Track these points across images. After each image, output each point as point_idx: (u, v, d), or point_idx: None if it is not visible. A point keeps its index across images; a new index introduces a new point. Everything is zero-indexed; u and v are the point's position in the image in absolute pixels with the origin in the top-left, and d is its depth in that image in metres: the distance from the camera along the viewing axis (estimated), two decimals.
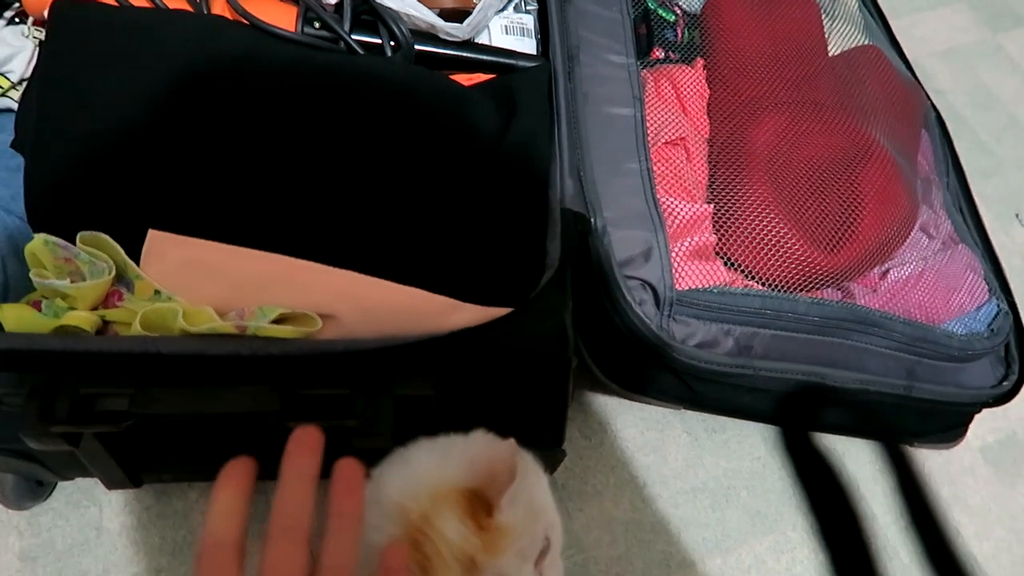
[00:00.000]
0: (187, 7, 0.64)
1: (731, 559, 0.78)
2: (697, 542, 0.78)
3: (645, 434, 0.82)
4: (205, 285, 0.54)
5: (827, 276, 0.67)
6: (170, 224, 0.54)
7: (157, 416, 0.49)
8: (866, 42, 0.89)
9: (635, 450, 0.82)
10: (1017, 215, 1.05)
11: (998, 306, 0.77)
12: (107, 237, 0.53)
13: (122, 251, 0.53)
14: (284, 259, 0.54)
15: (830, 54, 0.84)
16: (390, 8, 0.67)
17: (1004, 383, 0.76)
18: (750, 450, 0.83)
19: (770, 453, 0.83)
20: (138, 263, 0.53)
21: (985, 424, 0.87)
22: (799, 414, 0.73)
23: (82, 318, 0.51)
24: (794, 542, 0.79)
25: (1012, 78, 1.19)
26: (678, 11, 0.83)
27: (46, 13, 0.60)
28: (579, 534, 0.77)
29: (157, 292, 0.53)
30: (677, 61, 0.80)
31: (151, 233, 0.53)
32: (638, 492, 0.80)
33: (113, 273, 0.52)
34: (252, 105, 0.60)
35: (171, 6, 0.64)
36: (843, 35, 0.88)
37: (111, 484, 0.63)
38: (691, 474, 0.81)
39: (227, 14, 0.64)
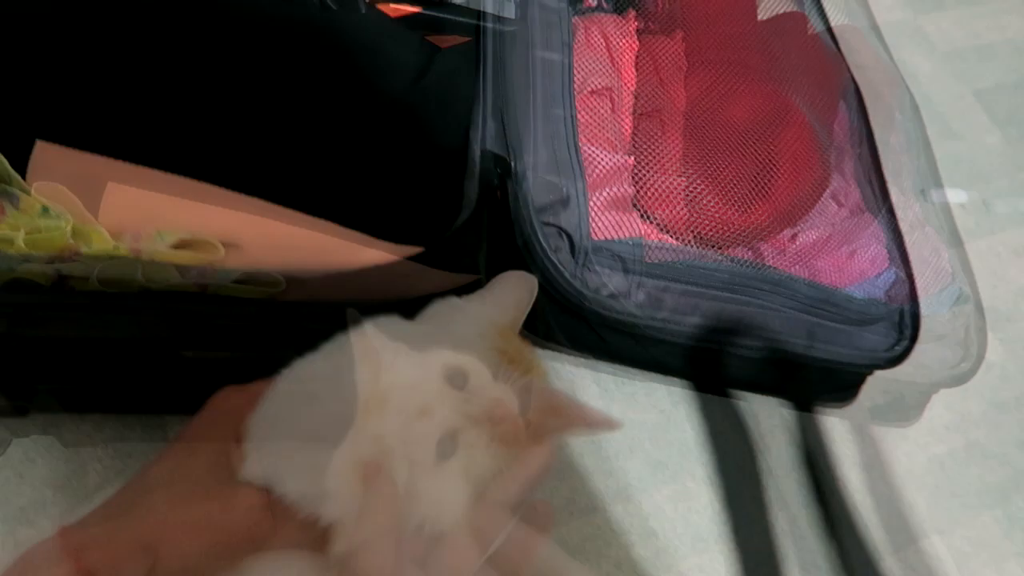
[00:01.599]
0: None
1: (631, 506, 0.80)
2: (600, 489, 0.80)
3: (555, 383, 0.83)
4: (98, 205, 0.51)
5: (739, 234, 0.68)
6: (61, 136, 0.50)
7: (39, 338, 0.46)
8: (795, 8, 0.90)
9: None
10: (922, 191, 1.09)
11: (896, 274, 0.80)
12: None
13: (5, 161, 0.49)
14: (186, 181, 0.51)
15: (759, 19, 0.85)
16: None
17: (896, 347, 0.79)
18: (656, 403, 0.85)
19: (674, 407, 0.85)
20: (24, 176, 0.50)
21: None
22: (705, 368, 0.75)
23: None
24: (692, 492, 0.82)
25: (928, 59, 1.23)
26: None
27: None
28: None
29: (45, 209, 0.50)
30: (609, 11, 0.79)
31: (39, 144, 0.49)
32: None
33: None
34: (161, 21, 0.57)
35: None
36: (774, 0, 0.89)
37: None
38: None
39: None
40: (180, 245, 0.50)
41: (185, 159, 0.52)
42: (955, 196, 1.08)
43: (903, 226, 0.80)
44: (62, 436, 0.71)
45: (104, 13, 0.54)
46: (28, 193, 0.49)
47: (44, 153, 0.49)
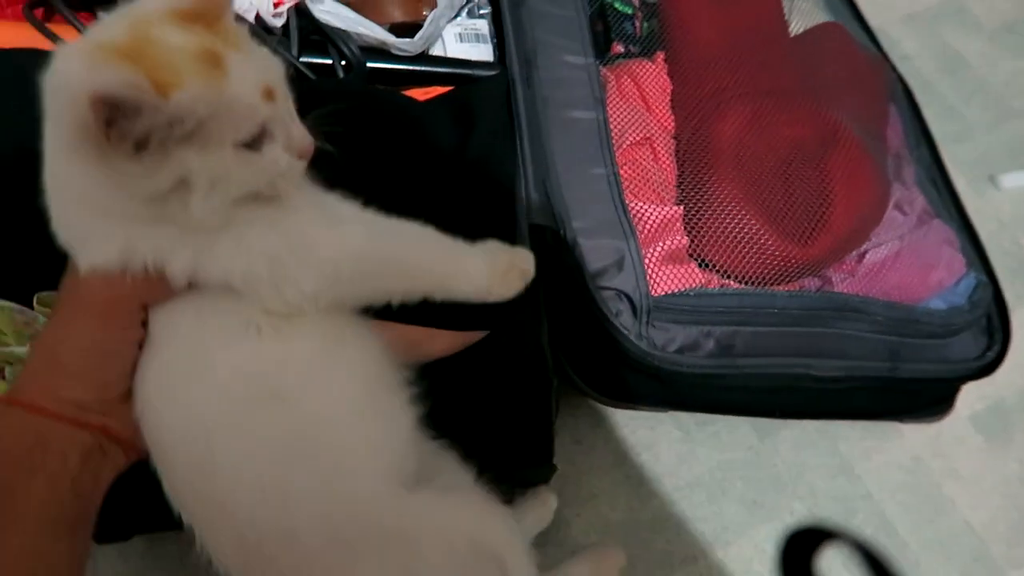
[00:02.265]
0: None
1: (732, 551, 0.78)
2: (697, 537, 0.78)
3: (636, 433, 0.82)
4: None
5: (803, 268, 0.66)
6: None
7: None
8: (828, 18, 0.88)
9: (627, 450, 0.81)
10: (991, 177, 1.04)
11: (976, 278, 0.76)
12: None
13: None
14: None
15: (792, 34, 0.83)
16: (338, 28, 0.66)
17: (988, 353, 0.75)
18: (741, 440, 0.83)
19: (761, 441, 0.83)
20: None
21: (972, 393, 0.87)
22: (787, 405, 0.73)
23: None
24: (792, 528, 0.79)
25: (977, 38, 1.18)
26: (635, 2, 0.81)
27: None
28: (577, 539, 0.76)
29: None
30: (637, 55, 0.78)
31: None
32: (634, 492, 0.79)
33: None
34: None
35: None
36: (803, 13, 0.87)
37: (101, 539, 0.62)
38: (685, 469, 0.81)
39: None
40: None
41: None
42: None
43: (911, 221, 0.76)
44: (166, 547, 0.73)
45: None
46: None
47: None
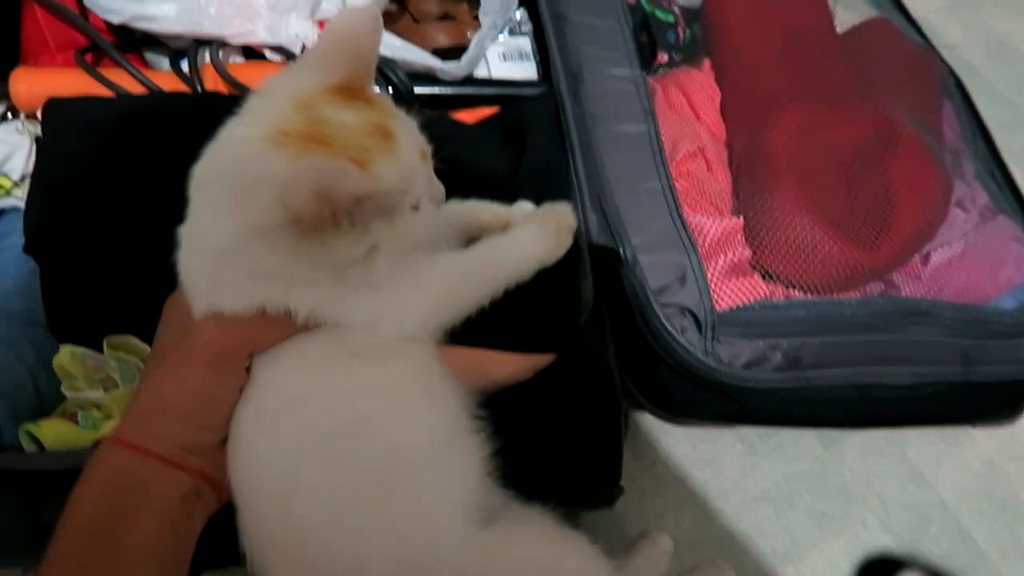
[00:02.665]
0: (180, 86, 0.63)
1: (803, 567, 0.75)
2: (766, 553, 0.76)
3: (698, 448, 0.80)
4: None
5: (869, 273, 0.64)
6: None
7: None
8: (873, 13, 0.86)
9: (690, 466, 0.80)
10: None
11: None
12: (133, 337, 0.52)
13: (150, 349, 0.52)
14: None
15: (838, 32, 0.82)
16: (385, 56, 0.66)
17: None
18: (806, 450, 0.81)
19: (827, 450, 0.81)
20: None
21: None
22: (857, 414, 0.71)
23: None
24: (865, 541, 0.77)
25: (1023, 22, 1.15)
26: (676, 10, 0.81)
27: (39, 112, 0.59)
28: None
29: None
30: (682, 63, 0.78)
31: None
32: (699, 509, 0.78)
33: None
34: None
35: (162, 85, 0.63)
36: (848, 7, 0.85)
37: None
38: (750, 483, 0.79)
39: (220, 87, 0.63)
40: None
41: None
42: None
43: (973, 218, 0.74)
44: None
45: None
46: None
47: None
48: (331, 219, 0.35)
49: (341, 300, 0.40)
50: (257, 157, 0.36)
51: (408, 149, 0.38)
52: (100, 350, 0.52)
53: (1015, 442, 0.82)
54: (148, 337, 0.52)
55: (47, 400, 0.55)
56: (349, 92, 0.38)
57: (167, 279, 0.54)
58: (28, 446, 0.49)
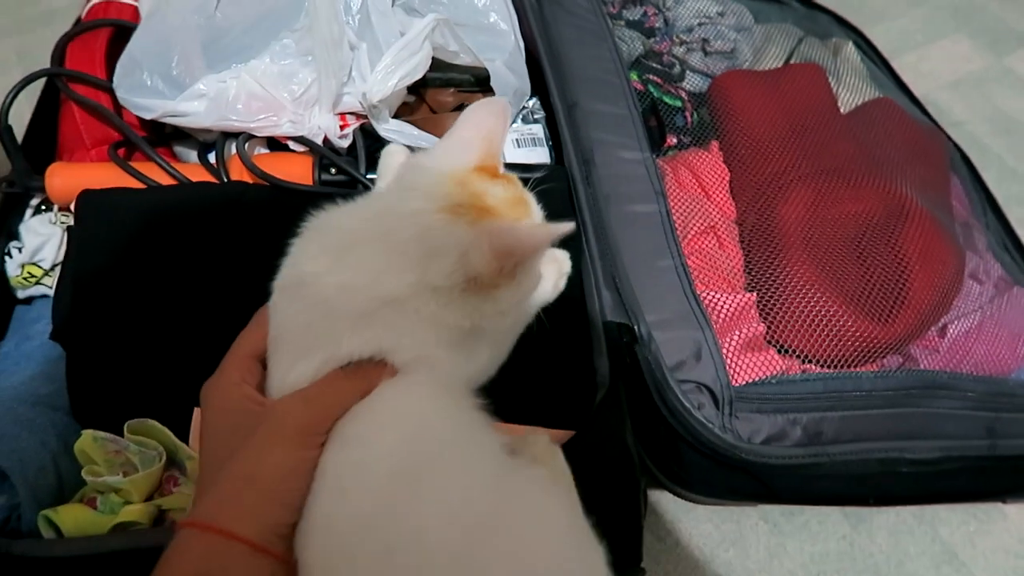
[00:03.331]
0: (208, 177, 0.65)
1: None
2: None
3: (721, 527, 0.79)
4: None
5: (886, 346, 0.64)
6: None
7: None
8: (876, 94, 0.89)
9: (714, 546, 0.78)
10: None
11: None
12: (155, 422, 0.53)
13: (171, 434, 0.52)
14: None
15: (843, 113, 0.84)
16: (403, 143, 0.68)
17: None
18: (833, 529, 0.79)
19: (855, 529, 0.79)
20: (187, 443, 0.53)
21: None
22: (882, 491, 0.69)
23: (138, 511, 0.50)
24: None
25: None
26: (683, 95, 0.83)
27: (72, 205, 0.62)
28: None
29: None
30: (690, 145, 0.80)
31: (197, 412, 0.52)
32: None
33: (164, 460, 0.52)
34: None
35: (190, 177, 0.65)
36: (852, 90, 0.88)
37: None
38: (776, 565, 0.77)
39: (246, 177, 0.65)
40: None
41: None
42: None
43: (988, 290, 0.74)
44: None
45: (242, 279, 0.58)
46: (194, 459, 0.52)
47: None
48: (504, 274, 0.40)
49: (460, 346, 0.43)
50: (438, 226, 0.40)
51: (539, 216, 0.45)
52: (121, 435, 0.53)
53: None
54: (168, 422, 0.53)
55: (67, 485, 0.55)
56: (488, 171, 0.43)
57: (188, 366, 0.56)
58: (47, 532, 0.49)
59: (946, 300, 0.68)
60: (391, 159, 0.56)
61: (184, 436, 0.53)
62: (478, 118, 0.45)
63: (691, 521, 0.79)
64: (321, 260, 0.41)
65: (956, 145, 0.91)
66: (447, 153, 0.44)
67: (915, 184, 0.75)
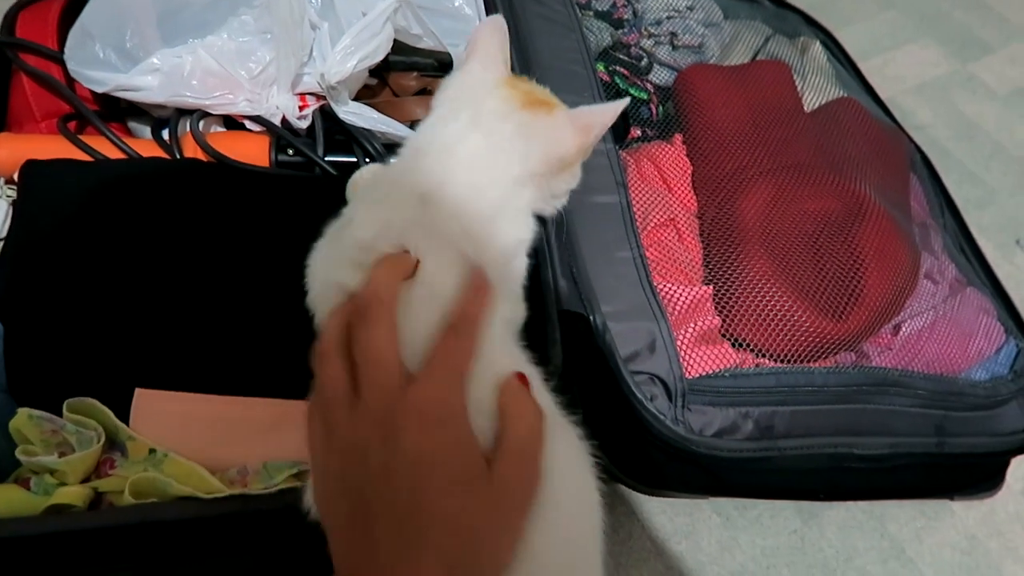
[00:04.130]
0: (160, 154, 0.64)
1: None
2: None
3: (675, 520, 0.79)
4: (201, 439, 0.52)
5: (839, 343, 0.64)
6: (157, 379, 0.52)
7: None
8: (841, 94, 0.89)
9: (667, 539, 0.78)
10: (1018, 241, 1.03)
11: (1017, 346, 0.75)
12: (95, 402, 0.51)
13: (112, 414, 0.51)
14: (280, 403, 0.52)
15: (807, 111, 0.84)
16: (362, 128, 0.67)
17: None
18: (785, 524, 0.79)
19: (806, 524, 0.79)
20: (128, 423, 0.51)
21: (1023, 465, 0.84)
22: (832, 485, 0.70)
23: (73, 493, 0.49)
24: None
25: (990, 105, 1.19)
26: (650, 87, 0.83)
27: (16, 175, 0.60)
28: None
29: (152, 451, 0.51)
30: (655, 138, 0.79)
31: (138, 392, 0.51)
32: None
33: (102, 441, 0.50)
34: (230, 248, 0.59)
35: (144, 154, 0.64)
36: (817, 89, 0.88)
37: None
38: (728, 557, 0.78)
39: (200, 156, 0.64)
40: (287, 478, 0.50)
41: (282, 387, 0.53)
42: None
43: (943, 290, 0.75)
44: None
45: (187, 258, 0.57)
46: (134, 440, 0.51)
47: (143, 399, 0.51)
48: (582, 151, 0.48)
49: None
50: (529, 120, 0.46)
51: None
52: (60, 414, 0.51)
53: (994, 516, 0.81)
54: (109, 402, 0.52)
55: (5, 465, 0.54)
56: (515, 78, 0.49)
57: (131, 345, 0.55)
58: None
59: (900, 299, 0.68)
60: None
61: (125, 417, 0.52)
62: (489, 35, 0.50)
63: (645, 514, 0.79)
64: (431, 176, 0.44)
65: (918, 147, 0.92)
66: (486, 68, 0.49)
67: (874, 184, 0.75)
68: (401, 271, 0.39)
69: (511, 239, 0.46)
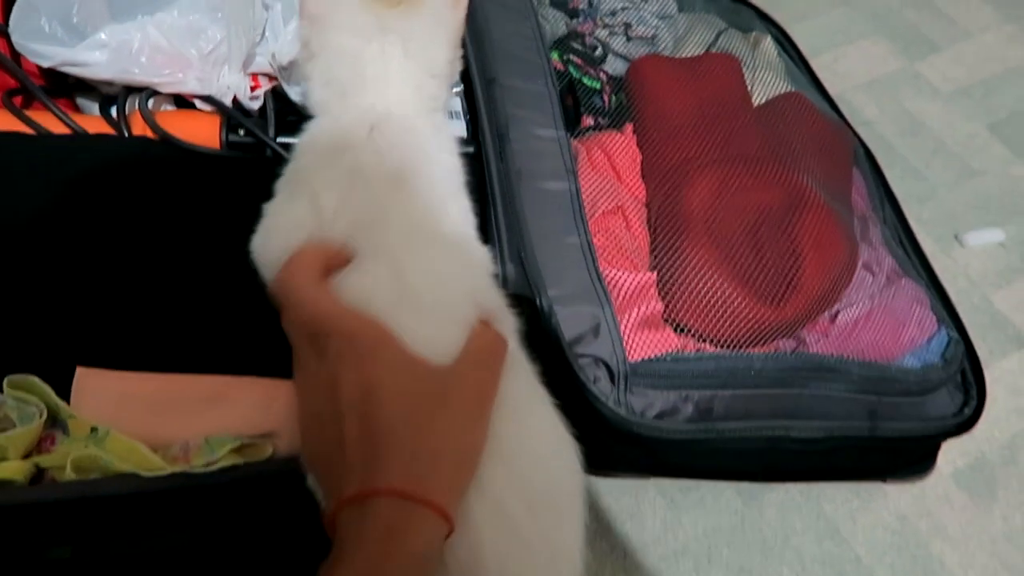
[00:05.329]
0: (108, 131, 0.63)
1: None
2: None
3: (620, 501, 0.81)
4: (143, 416, 0.52)
5: (777, 329, 0.67)
6: (99, 358, 0.52)
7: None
8: (789, 88, 0.92)
9: (611, 519, 0.80)
10: (956, 236, 1.07)
11: (948, 335, 0.77)
12: (36, 379, 0.51)
13: (52, 392, 0.51)
14: (222, 379, 0.52)
15: (755, 105, 0.86)
16: None
17: (965, 410, 0.76)
18: (726, 505, 0.82)
19: (747, 505, 0.82)
20: (68, 402, 0.51)
21: (953, 449, 0.87)
22: (770, 466, 0.73)
23: (14, 468, 0.48)
24: None
25: (934, 103, 1.23)
26: (603, 76, 0.84)
27: None
28: None
29: (94, 429, 0.51)
30: (607, 127, 0.81)
31: (79, 370, 0.51)
32: (619, 563, 0.78)
33: (44, 417, 0.50)
34: (176, 228, 0.59)
35: (91, 131, 0.63)
36: (766, 84, 0.90)
37: None
38: (671, 537, 0.80)
39: (149, 134, 0.63)
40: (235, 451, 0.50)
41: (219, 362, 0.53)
42: (993, 236, 1.05)
43: (880, 280, 0.78)
44: None
45: (129, 237, 0.57)
46: (75, 418, 0.51)
47: (84, 377, 0.51)
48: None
49: None
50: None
51: None
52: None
53: (925, 498, 0.84)
54: (50, 378, 0.51)
55: None
56: None
57: (72, 324, 0.54)
58: None
59: (837, 288, 0.71)
60: None
61: (66, 396, 0.51)
62: None
63: (591, 495, 0.81)
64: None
65: (862, 142, 0.94)
66: None
67: (817, 177, 0.78)
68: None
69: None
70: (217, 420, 0.50)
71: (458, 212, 0.52)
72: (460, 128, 0.76)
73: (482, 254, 0.52)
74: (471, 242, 0.52)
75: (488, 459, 0.41)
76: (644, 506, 0.81)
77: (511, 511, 0.41)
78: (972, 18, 1.36)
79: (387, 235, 0.46)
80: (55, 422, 0.52)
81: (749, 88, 0.86)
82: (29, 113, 0.64)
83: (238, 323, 0.54)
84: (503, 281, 0.62)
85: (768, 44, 0.98)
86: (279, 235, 0.48)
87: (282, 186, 0.51)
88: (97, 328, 0.54)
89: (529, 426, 0.45)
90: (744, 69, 0.87)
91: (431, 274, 0.45)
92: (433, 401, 0.40)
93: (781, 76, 0.94)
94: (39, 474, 0.50)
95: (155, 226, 0.57)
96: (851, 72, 1.26)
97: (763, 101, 0.87)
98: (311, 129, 0.53)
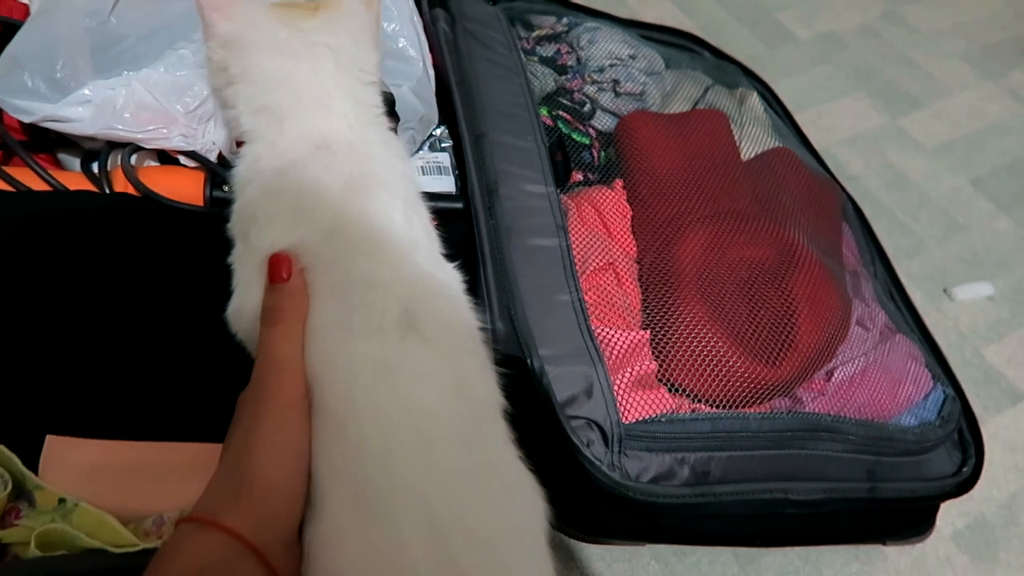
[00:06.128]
0: (89, 187, 0.62)
1: None
2: None
3: (612, 567, 0.78)
4: (115, 487, 0.49)
5: (773, 388, 0.65)
6: (71, 426, 0.49)
7: None
8: (777, 143, 0.92)
9: None
10: (945, 289, 1.07)
11: (944, 392, 0.76)
12: (2, 447, 0.49)
13: (19, 461, 0.48)
14: (198, 447, 0.50)
15: (743, 160, 0.86)
16: None
17: (964, 469, 0.75)
18: (723, 569, 0.79)
19: (743, 570, 0.79)
20: (36, 472, 0.49)
21: (953, 510, 0.86)
22: (767, 530, 0.70)
23: None
24: None
25: (918, 157, 1.24)
26: (592, 132, 0.84)
27: None
28: None
29: (62, 501, 0.49)
30: (596, 182, 0.80)
31: (49, 439, 0.49)
32: None
33: (8, 488, 0.48)
34: (155, 288, 0.57)
35: (72, 187, 0.62)
36: (753, 139, 0.90)
37: None
38: None
39: (130, 190, 0.62)
40: None
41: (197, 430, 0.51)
42: (982, 290, 1.05)
43: (874, 336, 0.77)
44: None
45: (110, 298, 0.55)
46: (43, 489, 0.48)
47: (54, 446, 0.49)
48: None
49: None
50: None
51: None
52: None
53: (925, 560, 0.82)
54: (17, 447, 0.49)
55: None
56: None
57: (43, 390, 0.52)
58: None
59: (832, 345, 0.70)
60: None
61: (34, 465, 0.49)
62: None
63: (582, 560, 0.78)
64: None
65: (850, 197, 0.95)
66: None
67: (807, 232, 0.77)
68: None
69: None
70: (195, 491, 0.47)
71: (419, 224, 0.49)
72: (449, 183, 0.75)
73: (447, 270, 0.49)
74: (435, 256, 0.50)
75: (435, 487, 0.39)
76: (638, 571, 0.78)
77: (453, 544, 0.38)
78: (951, 75, 1.39)
79: (347, 245, 0.44)
80: (20, 493, 0.49)
81: (737, 143, 0.86)
82: (8, 169, 0.62)
83: (218, 388, 0.52)
84: (492, 339, 0.60)
85: (754, 100, 0.99)
86: (249, 300, 0.45)
87: (235, 230, 0.48)
88: (70, 394, 0.52)
89: (484, 459, 0.43)
90: (732, 124, 0.87)
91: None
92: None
93: (768, 131, 0.95)
94: (1, 550, 0.47)
95: (134, 286, 0.56)
96: (835, 127, 1.27)
97: (751, 156, 0.87)
98: (246, 157, 0.50)
